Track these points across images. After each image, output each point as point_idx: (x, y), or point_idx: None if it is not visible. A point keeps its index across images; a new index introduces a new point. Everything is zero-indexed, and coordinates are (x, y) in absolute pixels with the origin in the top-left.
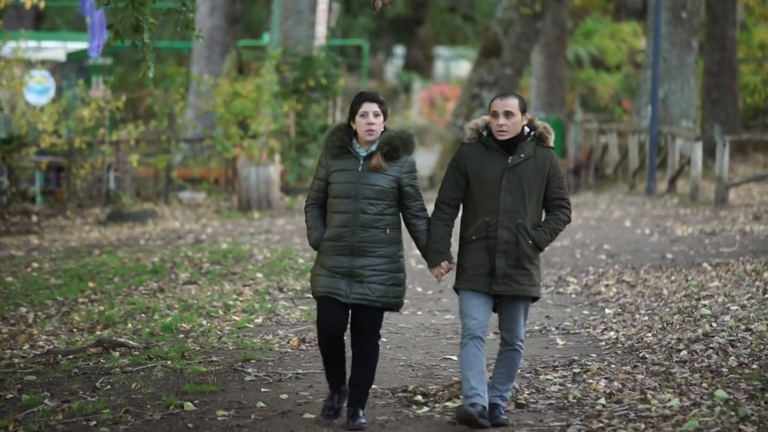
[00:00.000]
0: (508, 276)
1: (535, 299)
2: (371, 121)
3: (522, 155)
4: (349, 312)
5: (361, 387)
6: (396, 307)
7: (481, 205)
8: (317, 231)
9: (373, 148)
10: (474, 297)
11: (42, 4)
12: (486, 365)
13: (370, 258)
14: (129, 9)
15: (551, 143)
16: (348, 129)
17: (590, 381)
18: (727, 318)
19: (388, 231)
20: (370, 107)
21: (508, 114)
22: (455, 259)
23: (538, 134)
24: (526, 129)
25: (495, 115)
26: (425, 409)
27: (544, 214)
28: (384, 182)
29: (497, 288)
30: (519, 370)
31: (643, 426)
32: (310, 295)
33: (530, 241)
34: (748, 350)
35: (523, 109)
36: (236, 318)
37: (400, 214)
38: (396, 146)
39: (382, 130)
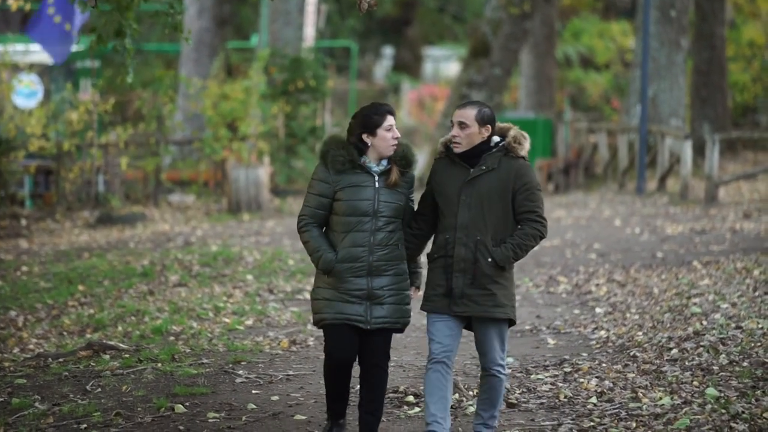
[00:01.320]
0: (467, 296)
1: (512, 323)
2: (398, 135)
3: (483, 167)
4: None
5: (374, 414)
6: (405, 327)
7: (444, 222)
8: (329, 252)
9: (384, 162)
10: (438, 320)
11: (28, 7)
12: (451, 391)
13: (386, 277)
14: (113, 13)
15: (522, 153)
16: (355, 143)
17: (581, 380)
18: (717, 316)
19: (399, 247)
20: (393, 120)
21: (461, 125)
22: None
23: (506, 144)
24: (495, 139)
25: (452, 125)
26: (416, 409)
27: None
28: (398, 198)
29: (456, 308)
30: (510, 370)
31: (634, 425)
32: (312, 320)
33: (489, 259)
34: (739, 348)
35: (482, 121)
36: (226, 320)
37: None
38: (410, 161)
39: None
